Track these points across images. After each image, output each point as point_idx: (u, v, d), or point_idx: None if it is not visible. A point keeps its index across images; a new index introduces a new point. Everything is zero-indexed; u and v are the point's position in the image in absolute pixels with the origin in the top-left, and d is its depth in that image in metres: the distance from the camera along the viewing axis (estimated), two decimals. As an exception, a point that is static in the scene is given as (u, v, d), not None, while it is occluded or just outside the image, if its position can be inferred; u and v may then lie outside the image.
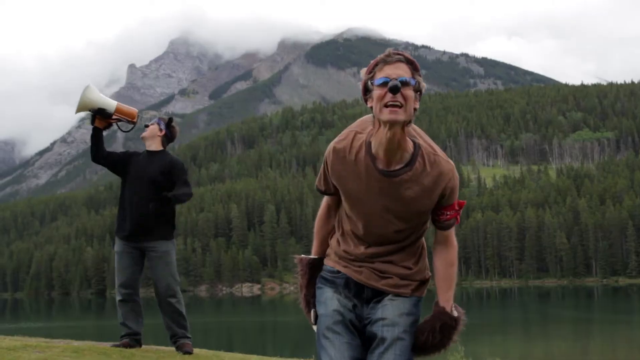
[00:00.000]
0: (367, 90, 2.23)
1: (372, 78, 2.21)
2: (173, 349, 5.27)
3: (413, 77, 2.18)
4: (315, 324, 2.46)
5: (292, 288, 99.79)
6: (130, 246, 5.16)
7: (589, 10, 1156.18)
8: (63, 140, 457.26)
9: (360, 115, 2.47)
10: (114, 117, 5.16)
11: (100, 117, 5.13)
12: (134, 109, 5.27)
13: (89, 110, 5.13)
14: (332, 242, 2.50)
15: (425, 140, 2.32)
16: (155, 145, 5.33)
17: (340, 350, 2.29)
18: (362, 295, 2.38)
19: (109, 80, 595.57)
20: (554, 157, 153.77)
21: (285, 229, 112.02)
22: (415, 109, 2.19)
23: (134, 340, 5.16)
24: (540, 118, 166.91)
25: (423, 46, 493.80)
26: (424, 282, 2.44)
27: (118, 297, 5.18)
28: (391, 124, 2.13)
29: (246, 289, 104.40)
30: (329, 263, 2.46)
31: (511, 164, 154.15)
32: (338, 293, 2.39)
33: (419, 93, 2.21)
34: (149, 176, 5.14)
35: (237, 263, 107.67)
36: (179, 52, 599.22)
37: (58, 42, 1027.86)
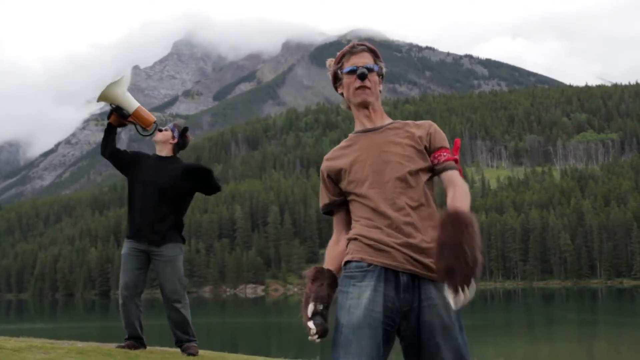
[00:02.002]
0: (336, 79, 2.53)
1: (340, 68, 2.51)
2: (178, 350, 5.30)
3: (376, 64, 2.48)
4: (310, 318, 2.28)
5: (295, 289, 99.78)
6: (137, 249, 5.17)
7: (594, 11, 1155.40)
8: (67, 141, 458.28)
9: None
10: (129, 119, 5.14)
11: (116, 115, 5.14)
12: (152, 117, 5.21)
13: (109, 104, 5.14)
14: (351, 232, 2.41)
15: None
16: (166, 151, 5.34)
17: (359, 350, 2.17)
18: (399, 283, 2.26)
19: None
20: (558, 159, 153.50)
21: (289, 230, 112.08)
22: (380, 91, 2.50)
23: (137, 342, 5.19)
24: (545, 119, 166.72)
25: (427, 47, 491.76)
26: None
27: (120, 300, 5.20)
28: (362, 104, 2.45)
29: (250, 290, 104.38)
30: (355, 257, 2.32)
31: (515, 165, 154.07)
32: (371, 292, 2.24)
33: (381, 77, 2.52)
34: (159, 183, 5.14)
35: (241, 264, 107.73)
36: (183, 53, 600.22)
37: (62, 43, 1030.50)
